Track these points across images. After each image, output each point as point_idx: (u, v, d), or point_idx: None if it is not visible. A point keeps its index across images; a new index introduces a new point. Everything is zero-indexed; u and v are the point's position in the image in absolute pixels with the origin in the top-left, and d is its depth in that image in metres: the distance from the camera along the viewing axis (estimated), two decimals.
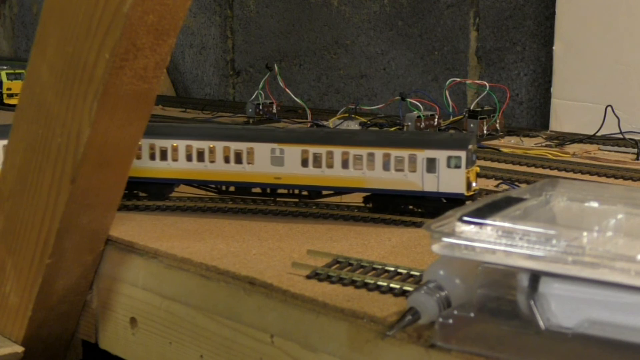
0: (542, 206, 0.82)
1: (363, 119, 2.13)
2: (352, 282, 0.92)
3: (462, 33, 2.41)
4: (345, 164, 1.20)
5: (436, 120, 1.95)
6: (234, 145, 1.25)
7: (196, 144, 1.27)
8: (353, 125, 2.04)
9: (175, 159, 1.28)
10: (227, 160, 1.26)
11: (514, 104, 2.30)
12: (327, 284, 0.93)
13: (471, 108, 1.94)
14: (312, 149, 1.21)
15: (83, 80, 0.98)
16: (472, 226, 0.72)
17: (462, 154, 1.15)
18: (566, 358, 0.68)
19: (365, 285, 0.91)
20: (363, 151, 1.19)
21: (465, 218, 0.73)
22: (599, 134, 1.92)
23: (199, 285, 1.03)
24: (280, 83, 2.26)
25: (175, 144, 1.27)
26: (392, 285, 0.90)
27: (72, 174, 1.02)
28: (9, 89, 2.76)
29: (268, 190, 1.28)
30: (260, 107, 2.28)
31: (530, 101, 2.31)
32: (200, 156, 1.27)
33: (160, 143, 1.28)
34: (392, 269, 0.95)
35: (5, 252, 1.14)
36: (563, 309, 0.68)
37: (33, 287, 1.11)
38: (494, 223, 0.72)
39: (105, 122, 1.00)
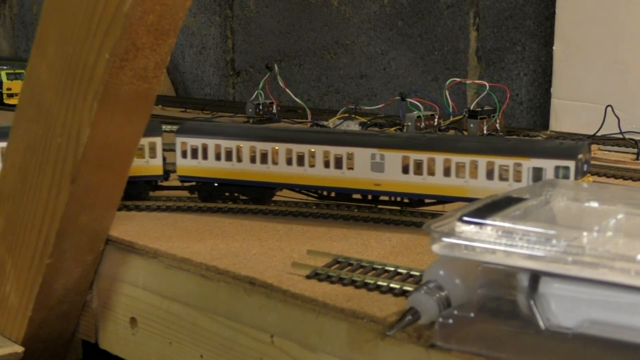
0: (542, 206, 0.82)
1: (363, 119, 2.13)
2: (352, 282, 0.92)
3: (462, 33, 2.41)
4: (447, 172, 1.15)
5: (436, 120, 1.95)
6: (334, 150, 1.21)
7: (297, 148, 1.23)
8: (353, 125, 2.04)
9: (275, 162, 1.25)
10: (327, 165, 1.22)
11: (514, 104, 2.30)
12: (327, 284, 0.93)
13: (471, 108, 1.94)
14: (413, 155, 1.17)
15: (83, 80, 0.98)
16: (472, 226, 0.72)
17: (571, 164, 1.08)
18: (566, 358, 0.68)
19: (365, 285, 0.91)
20: (466, 159, 1.14)
21: (465, 218, 0.73)
22: (599, 134, 1.92)
23: (199, 285, 1.03)
24: (280, 83, 2.26)
25: (276, 147, 1.25)
26: (392, 285, 0.90)
27: (72, 174, 1.02)
28: (9, 89, 2.75)
29: (369, 197, 1.24)
30: (260, 107, 2.28)
31: (530, 101, 2.31)
32: (301, 160, 1.23)
33: (260, 146, 1.26)
34: (392, 269, 0.95)
35: (5, 252, 1.14)
36: (563, 309, 0.68)
37: (33, 287, 1.11)
38: (494, 223, 0.72)
39: (105, 122, 1.00)
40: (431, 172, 1.16)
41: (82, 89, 0.99)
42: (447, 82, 2.03)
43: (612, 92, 1.98)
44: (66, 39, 1.00)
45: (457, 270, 0.74)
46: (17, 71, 2.79)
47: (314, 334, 0.89)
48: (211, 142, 1.28)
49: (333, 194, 1.26)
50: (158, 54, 0.97)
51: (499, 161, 1.12)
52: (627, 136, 1.87)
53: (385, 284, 0.91)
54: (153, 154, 1.32)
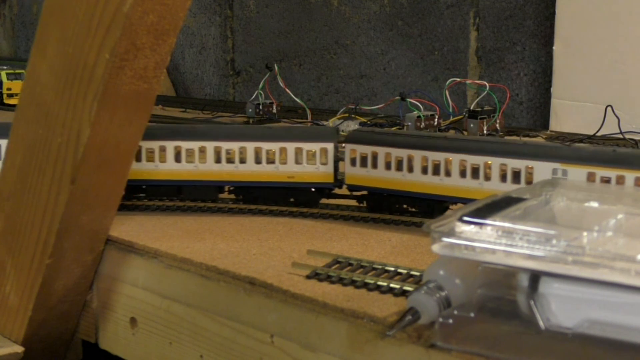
0: (542, 206, 0.82)
1: (363, 119, 2.13)
2: (352, 282, 0.92)
3: (462, 33, 2.41)
4: None
5: (436, 120, 1.95)
6: (512, 163, 1.10)
7: (471, 159, 1.14)
8: (353, 125, 2.04)
9: (448, 174, 1.15)
10: (503, 178, 1.12)
11: (514, 104, 2.30)
12: (327, 284, 0.93)
13: (471, 108, 1.94)
14: (600, 172, 1.03)
15: (83, 80, 0.98)
16: (472, 226, 0.72)
17: None
18: (566, 358, 0.68)
19: (365, 285, 0.91)
20: None
21: (465, 218, 0.73)
22: (599, 134, 1.92)
23: (199, 285, 1.03)
24: (280, 83, 2.26)
25: (449, 158, 1.15)
26: (392, 285, 0.90)
27: (72, 174, 1.02)
28: (9, 89, 2.75)
29: None
30: (260, 107, 2.28)
31: (530, 101, 2.31)
32: (475, 173, 1.13)
33: (433, 156, 1.17)
34: (392, 269, 0.95)
35: (5, 252, 1.14)
36: (563, 309, 0.68)
37: (33, 287, 1.11)
38: (494, 223, 0.72)
39: (105, 122, 1.00)
40: None
41: (82, 89, 0.99)
42: (447, 82, 2.03)
43: (612, 92, 1.97)
44: (66, 39, 1.00)
45: (457, 270, 0.74)
46: (17, 71, 2.79)
47: (314, 334, 0.89)
48: (381, 151, 1.20)
49: None
50: (158, 54, 0.97)
51: None
52: (627, 136, 1.87)
53: (385, 284, 0.91)
54: (324, 161, 1.25)
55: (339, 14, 2.70)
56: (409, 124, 1.89)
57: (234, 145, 1.27)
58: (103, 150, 1.02)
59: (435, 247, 0.72)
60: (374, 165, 1.21)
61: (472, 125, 1.91)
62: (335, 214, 1.23)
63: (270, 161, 1.27)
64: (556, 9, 2.08)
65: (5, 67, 2.83)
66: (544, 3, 2.22)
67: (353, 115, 2.17)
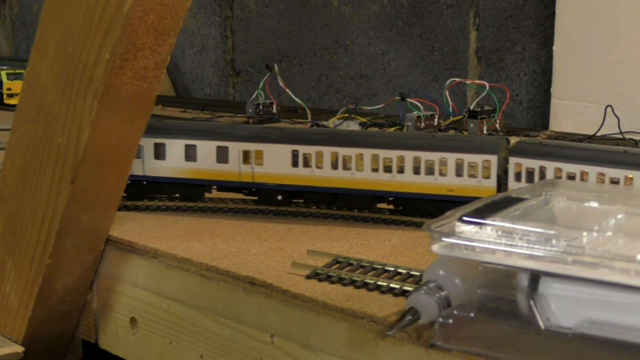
0: (542, 206, 0.82)
1: (363, 119, 2.13)
2: (352, 282, 0.93)
3: (462, 33, 2.41)
4: None
5: (436, 120, 1.95)
6: None
7: (610, 172, 1.04)
8: (353, 126, 2.04)
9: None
10: None
11: (514, 104, 2.30)
12: (327, 284, 0.93)
13: (471, 108, 1.94)
14: None
15: (83, 80, 0.98)
16: (472, 226, 0.72)
17: None
18: (566, 358, 0.68)
19: (365, 285, 0.92)
20: None
21: (465, 218, 0.73)
22: (599, 134, 1.92)
23: (199, 285, 1.03)
24: (280, 83, 2.26)
25: (629, 175, 1.05)
26: (392, 285, 0.90)
27: (72, 174, 1.02)
28: (9, 89, 2.75)
29: None
30: (260, 107, 2.28)
31: (530, 101, 2.31)
32: None
33: (612, 173, 1.06)
34: (392, 269, 0.95)
35: (5, 252, 1.14)
36: (563, 309, 0.68)
37: (33, 287, 1.11)
38: (494, 223, 0.72)
39: (105, 122, 1.00)
40: None
41: (82, 89, 0.99)
42: (447, 82, 2.03)
43: (612, 92, 1.98)
44: (66, 39, 1.00)
45: (457, 270, 0.74)
46: (17, 71, 2.79)
47: (314, 334, 0.89)
48: (550, 165, 1.10)
49: None
50: (158, 54, 0.97)
51: None
52: (627, 136, 1.87)
53: (385, 284, 0.91)
54: (487, 174, 1.16)
55: (339, 14, 2.70)
56: (409, 124, 1.89)
57: (392, 154, 1.20)
58: (103, 150, 1.02)
59: (435, 247, 0.72)
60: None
61: (472, 125, 1.91)
62: (335, 214, 1.23)
63: (430, 172, 1.19)
64: (556, 9, 2.08)
65: (5, 67, 2.83)
66: (544, 3, 2.22)
67: (353, 115, 2.17)
